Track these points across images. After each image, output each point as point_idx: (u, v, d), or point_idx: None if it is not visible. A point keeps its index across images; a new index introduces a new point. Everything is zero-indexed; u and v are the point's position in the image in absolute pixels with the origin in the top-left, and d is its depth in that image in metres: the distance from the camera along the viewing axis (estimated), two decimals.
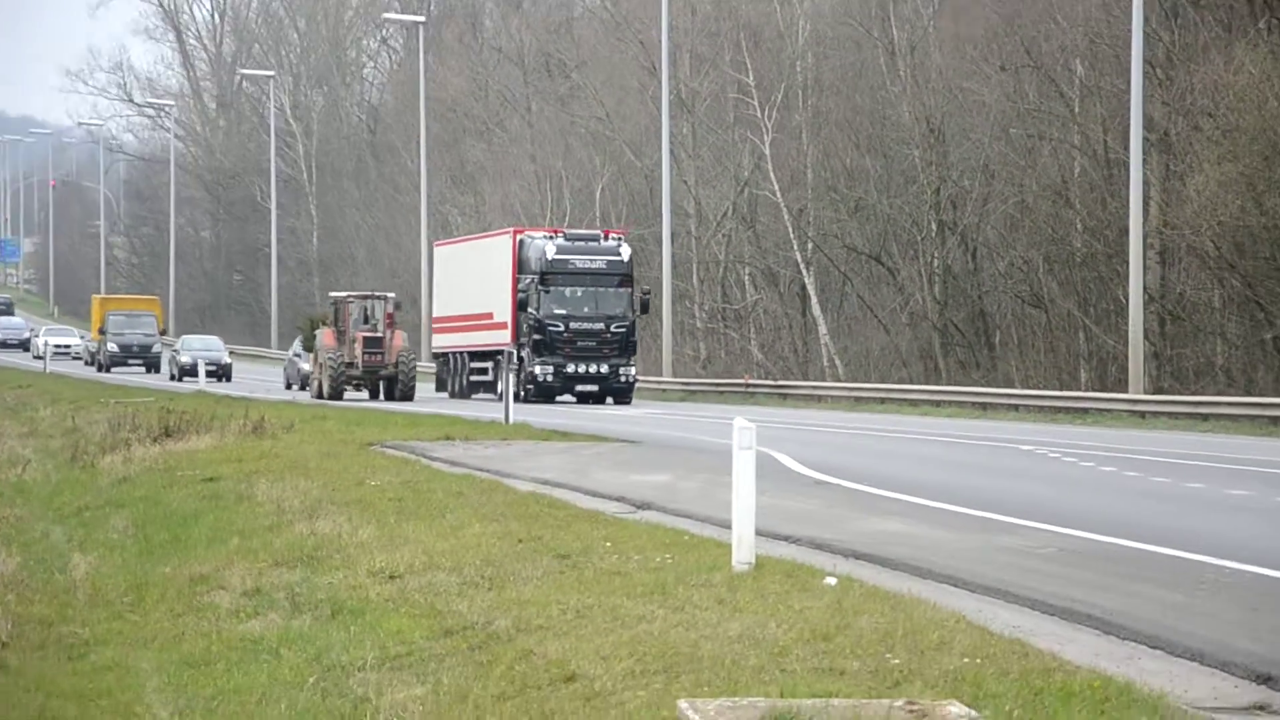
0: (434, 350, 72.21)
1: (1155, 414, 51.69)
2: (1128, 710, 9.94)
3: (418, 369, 67.15)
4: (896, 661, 11.34)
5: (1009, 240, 71.16)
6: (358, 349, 60.25)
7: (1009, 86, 69.75)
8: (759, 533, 16.12)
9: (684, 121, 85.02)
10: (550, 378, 57.99)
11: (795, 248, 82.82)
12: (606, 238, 60.72)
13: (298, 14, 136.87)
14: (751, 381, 73.13)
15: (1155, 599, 14.67)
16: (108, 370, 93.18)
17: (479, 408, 51.32)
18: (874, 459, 31.66)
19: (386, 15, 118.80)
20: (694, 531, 18.82)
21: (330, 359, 60.33)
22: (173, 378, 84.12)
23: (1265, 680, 11.23)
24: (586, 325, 58.43)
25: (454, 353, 66.70)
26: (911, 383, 66.67)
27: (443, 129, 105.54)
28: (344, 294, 66.54)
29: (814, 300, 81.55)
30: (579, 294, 58.80)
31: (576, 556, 17.10)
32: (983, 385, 65.30)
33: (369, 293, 67.17)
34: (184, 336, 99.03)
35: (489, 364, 61.85)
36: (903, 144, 75.57)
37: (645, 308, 61.26)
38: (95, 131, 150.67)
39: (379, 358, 60.43)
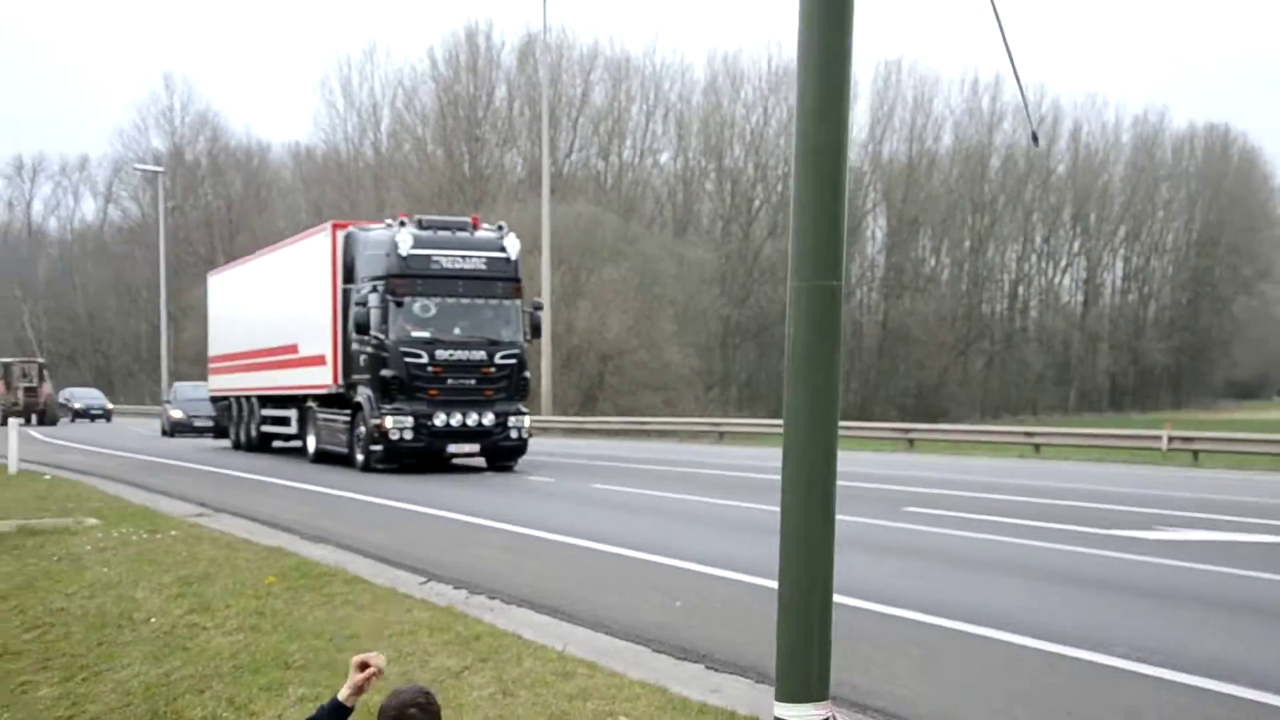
0: (210, 393, 39.04)
1: None
2: (324, 576, 10.98)
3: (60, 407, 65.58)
4: (71, 505, 16.02)
5: None
6: (20, 394, 62.29)
7: None
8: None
9: None
10: (409, 434, 25.43)
11: None
12: (476, 227, 27.05)
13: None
14: None
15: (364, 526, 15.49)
16: None
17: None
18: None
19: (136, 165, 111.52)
20: None
21: (3, 399, 61.87)
22: (164, 433, 50.66)
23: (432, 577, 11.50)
24: (461, 354, 25.84)
25: (235, 397, 35.80)
26: None
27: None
28: (9, 360, 66.84)
29: None
30: (449, 307, 25.92)
31: None
32: None
33: (25, 358, 68.59)
34: (177, 384, 56.03)
35: (290, 412, 31.35)
36: None
37: (537, 330, 27.27)
38: None
39: (35, 399, 62.49)
